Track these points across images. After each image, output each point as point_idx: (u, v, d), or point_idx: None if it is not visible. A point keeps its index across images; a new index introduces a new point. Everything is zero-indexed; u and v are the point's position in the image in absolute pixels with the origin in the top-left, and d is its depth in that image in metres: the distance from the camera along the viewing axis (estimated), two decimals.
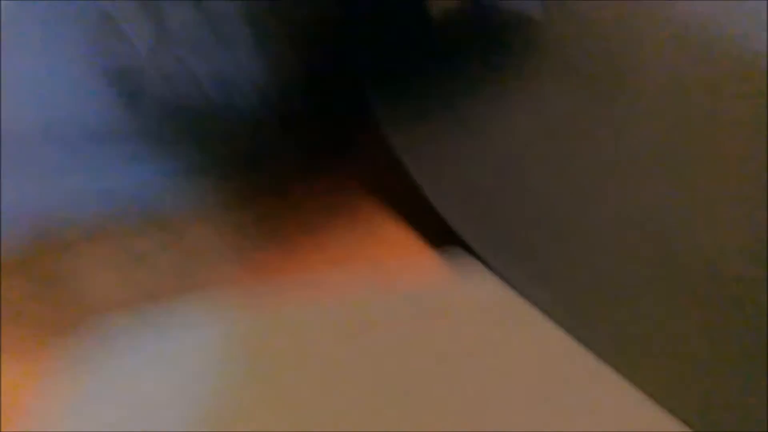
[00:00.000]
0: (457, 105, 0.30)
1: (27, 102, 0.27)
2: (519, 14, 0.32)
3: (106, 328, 0.25)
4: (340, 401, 0.21)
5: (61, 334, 0.25)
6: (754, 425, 0.19)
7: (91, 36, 0.27)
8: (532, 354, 0.22)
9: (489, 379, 0.21)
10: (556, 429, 0.20)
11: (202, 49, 0.29)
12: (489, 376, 0.21)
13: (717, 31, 0.29)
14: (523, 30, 0.31)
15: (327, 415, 0.21)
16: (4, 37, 0.25)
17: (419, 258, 0.27)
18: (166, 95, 0.29)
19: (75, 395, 0.23)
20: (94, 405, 0.22)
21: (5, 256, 0.28)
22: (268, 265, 0.28)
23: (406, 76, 0.31)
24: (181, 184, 0.30)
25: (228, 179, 0.31)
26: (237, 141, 0.31)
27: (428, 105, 0.30)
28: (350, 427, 0.20)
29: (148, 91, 0.28)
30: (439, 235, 0.27)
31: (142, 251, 0.28)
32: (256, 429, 0.21)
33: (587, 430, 0.19)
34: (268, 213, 0.30)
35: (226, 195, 0.30)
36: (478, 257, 0.25)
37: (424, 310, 0.24)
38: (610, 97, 0.28)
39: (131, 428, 0.21)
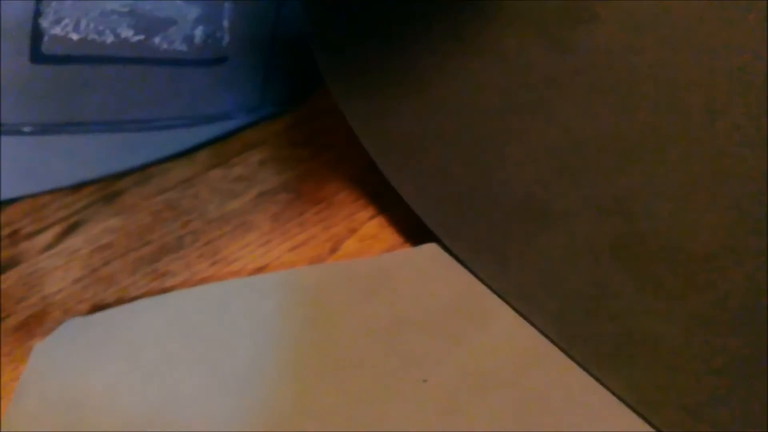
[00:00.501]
0: (408, 58, 0.29)
1: None
2: None
3: None
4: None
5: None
6: (725, 405, 0.19)
7: None
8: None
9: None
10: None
11: None
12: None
13: None
14: None
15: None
16: None
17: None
18: None
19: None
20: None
21: None
22: None
23: (352, 25, 0.30)
24: None
25: None
26: None
27: (378, 65, 0.29)
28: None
29: None
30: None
31: None
32: None
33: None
34: None
35: None
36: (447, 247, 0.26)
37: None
38: (566, 47, 0.28)
39: None
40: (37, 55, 0.25)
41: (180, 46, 0.28)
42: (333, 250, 0.29)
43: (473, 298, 0.24)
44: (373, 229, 0.29)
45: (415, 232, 0.28)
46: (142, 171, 0.35)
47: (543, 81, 0.29)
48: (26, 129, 0.27)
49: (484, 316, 0.23)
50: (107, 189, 0.34)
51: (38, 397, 0.25)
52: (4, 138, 0.26)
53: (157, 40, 0.27)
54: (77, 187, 0.34)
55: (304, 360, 0.23)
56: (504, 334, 0.22)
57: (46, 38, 0.25)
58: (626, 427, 0.19)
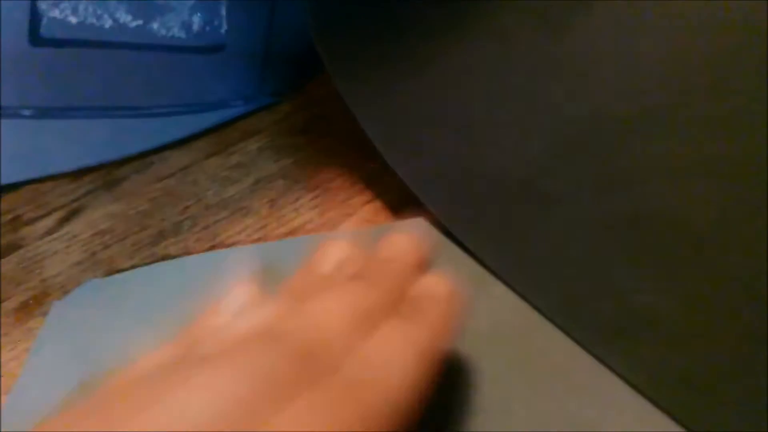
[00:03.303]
0: (406, 42, 0.29)
1: None
2: None
3: None
4: None
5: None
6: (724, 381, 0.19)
7: None
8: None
9: None
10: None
11: None
12: None
13: None
14: None
15: None
16: None
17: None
18: None
19: None
20: None
21: None
22: None
23: (351, 9, 0.29)
24: None
25: None
26: None
27: (375, 48, 0.29)
28: None
29: None
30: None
31: None
32: None
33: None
34: None
35: None
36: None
37: None
38: (564, 29, 0.28)
39: None
40: (36, 38, 0.25)
41: (178, 33, 0.29)
42: None
43: (472, 265, 0.24)
44: (368, 213, 0.30)
45: (411, 216, 0.28)
46: (142, 159, 0.35)
47: (540, 63, 0.29)
48: (25, 112, 0.27)
49: (483, 281, 0.23)
50: (107, 176, 0.35)
51: (54, 354, 0.25)
52: (4, 121, 0.27)
53: (155, 25, 0.28)
54: (78, 174, 0.35)
55: None
56: (504, 296, 0.23)
57: (44, 21, 0.25)
58: (614, 383, 0.19)
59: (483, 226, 0.25)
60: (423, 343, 0.17)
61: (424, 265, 0.21)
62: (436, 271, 0.20)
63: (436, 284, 0.19)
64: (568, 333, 0.21)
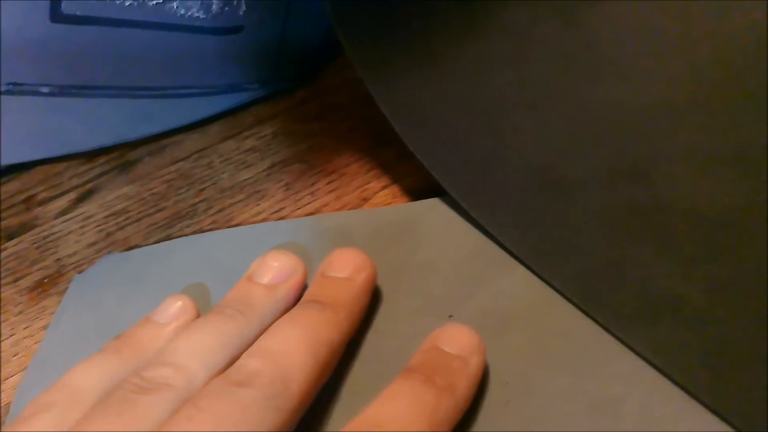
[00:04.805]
0: (423, 30, 0.29)
1: None
2: None
3: None
4: None
5: None
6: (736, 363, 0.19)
7: None
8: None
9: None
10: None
11: None
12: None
13: None
14: None
15: None
16: None
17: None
18: None
19: None
20: None
21: None
22: None
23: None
24: None
25: None
26: None
27: (395, 32, 0.29)
28: None
29: None
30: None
31: None
32: None
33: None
34: None
35: None
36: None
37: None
38: (578, 22, 0.28)
39: None
40: (57, 15, 0.25)
41: (197, 12, 0.28)
42: None
43: (493, 247, 0.24)
44: (385, 198, 0.30)
45: None
46: (156, 141, 0.35)
47: (555, 55, 0.29)
48: (44, 90, 0.27)
49: (506, 262, 0.23)
50: (121, 158, 0.35)
51: (75, 326, 0.26)
52: (22, 98, 0.26)
53: (174, 4, 0.28)
54: (91, 156, 0.35)
55: None
56: (526, 277, 0.23)
57: None
58: (635, 362, 0.19)
59: (504, 210, 0.25)
60: (440, 412, 0.17)
61: (374, 284, 0.22)
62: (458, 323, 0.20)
63: (465, 336, 0.19)
64: (589, 315, 0.21)
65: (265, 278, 0.22)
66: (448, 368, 0.18)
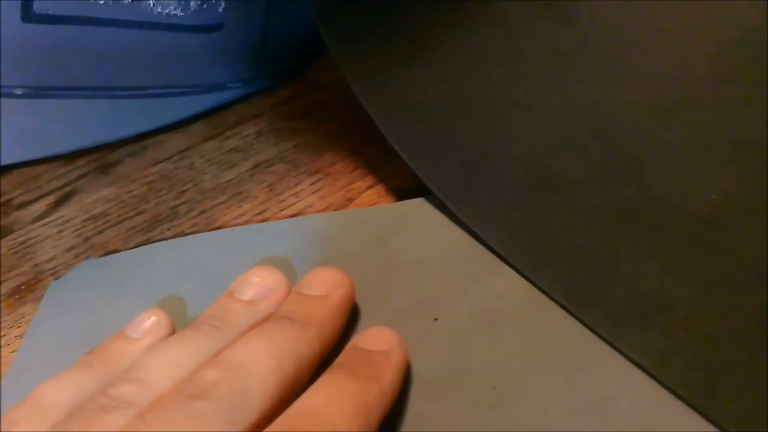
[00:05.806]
0: (410, 26, 0.28)
1: None
2: None
3: None
4: None
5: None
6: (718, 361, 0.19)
7: None
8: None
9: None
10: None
11: None
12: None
13: None
14: None
15: None
16: None
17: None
18: None
19: None
20: None
21: None
22: None
23: None
24: None
25: None
26: None
27: (381, 29, 0.29)
28: None
29: None
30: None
31: None
32: None
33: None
34: None
35: None
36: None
37: None
38: (570, 18, 0.28)
39: None
40: (29, 14, 0.24)
41: (174, 10, 0.28)
42: None
43: (478, 248, 0.24)
44: (370, 198, 0.29)
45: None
46: (137, 142, 0.34)
47: (547, 51, 0.28)
48: (19, 92, 0.26)
49: (494, 262, 0.23)
50: (101, 160, 0.34)
51: (53, 333, 0.25)
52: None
53: (150, 2, 0.27)
54: (70, 158, 0.34)
55: None
56: (514, 278, 0.22)
57: None
58: (625, 364, 0.19)
59: (491, 211, 0.24)
60: (367, 398, 0.17)
61: (351, 303, 0.22)
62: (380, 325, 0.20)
63: (385, 335, 0.19)
64: (577, 317, 0.21)
65: (246, 295, 0.21)
66: (371, 361, 0.18)
